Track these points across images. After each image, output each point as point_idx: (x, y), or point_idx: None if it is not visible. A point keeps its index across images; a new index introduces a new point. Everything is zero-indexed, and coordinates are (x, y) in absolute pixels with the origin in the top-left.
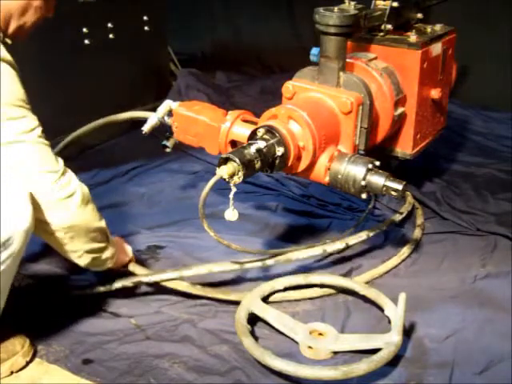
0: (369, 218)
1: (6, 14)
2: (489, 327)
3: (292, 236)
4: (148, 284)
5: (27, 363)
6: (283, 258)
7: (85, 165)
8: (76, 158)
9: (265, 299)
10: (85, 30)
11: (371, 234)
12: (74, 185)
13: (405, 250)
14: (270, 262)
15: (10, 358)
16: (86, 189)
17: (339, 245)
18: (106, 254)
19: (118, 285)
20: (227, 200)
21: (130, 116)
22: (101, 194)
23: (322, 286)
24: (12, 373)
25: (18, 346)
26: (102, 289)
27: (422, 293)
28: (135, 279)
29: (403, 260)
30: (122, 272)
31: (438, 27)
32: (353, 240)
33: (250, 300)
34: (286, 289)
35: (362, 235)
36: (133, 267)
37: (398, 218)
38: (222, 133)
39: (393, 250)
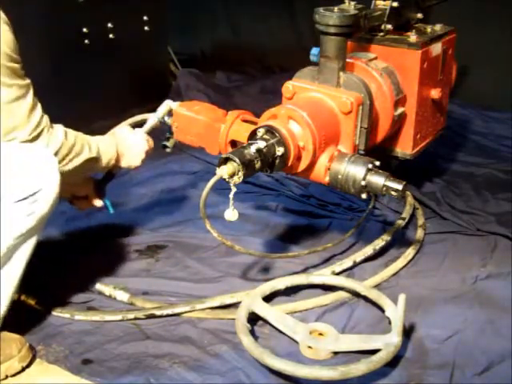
0: (369, 219)
1: None
2: (489, 328)
3: (292, 236)
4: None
5: (23, 368)
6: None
7: None
8: None
9: (266, 298)
10: (85, 29)
11: (377, 247)
12: None
13: (410, 251)
14: (280, 285)
15: (5, 362)
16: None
17: (347, 263)
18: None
19: (130, 316)
20: (227, 200)
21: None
22: None
23: (327, 288)
24: (7, 377)
25: (15, 349)
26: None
27: (423, 293)
28: (148, 312)
29: (409, 261)
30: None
31: (437, 27)
32: (360, 256)
33: (251, 299)
34: (287, 288)
35: (368, 250)
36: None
37: (401, 224)
38: (222, 133)
39: (394, 250)
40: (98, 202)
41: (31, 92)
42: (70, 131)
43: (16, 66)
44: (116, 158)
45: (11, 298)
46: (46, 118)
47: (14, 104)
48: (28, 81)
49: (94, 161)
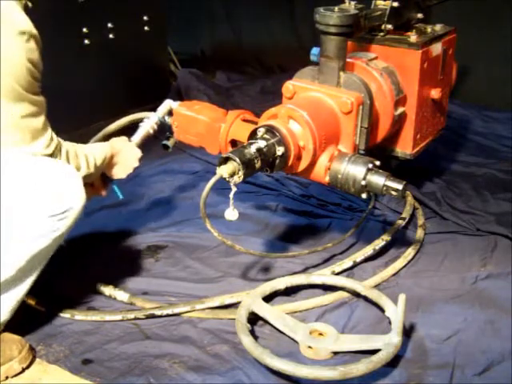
0: (369, 219)
1: None
2: (489, 328)
3: (292, 236)
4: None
5: (23, 369)
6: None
7: None
8: None
9: (266, 298)
10: (85, 29)
11: (377, 247)
12: None
13: (410, 251)
14: (280, 285)
15: (5, 363)
16: None
17: (347, 263)
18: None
19: (130, 316)
20: (227, 200)
21: (130, 120)
22: None
23: (327, 288)
24: (7, 378)
25: (16, 351)
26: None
27: (423, 293)
28: (148, 312)
29: (409, 261)
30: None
31: (437, 27)
32: (360, 256)
33: (251, 299)
34: (287, 288)
35: (368, 250)
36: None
37: (401, 223)
38: (222, 132)
39: (394, 250)
40: (104, 191)
41: (43, 111)
42: (71, 150)
43: (33, 82)
44: (108, 165)
45: (18, 304)
46: (56, 138)
47: (24, 120)
48: (42, 98)
49: (90, 174)
